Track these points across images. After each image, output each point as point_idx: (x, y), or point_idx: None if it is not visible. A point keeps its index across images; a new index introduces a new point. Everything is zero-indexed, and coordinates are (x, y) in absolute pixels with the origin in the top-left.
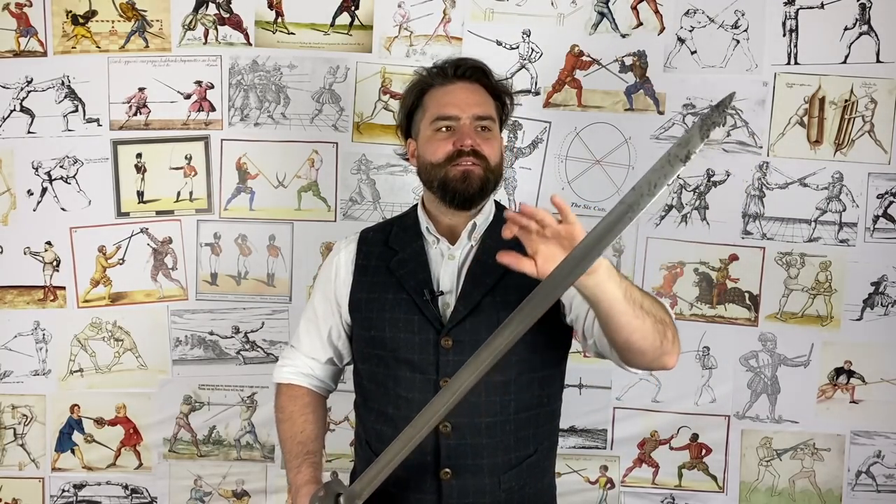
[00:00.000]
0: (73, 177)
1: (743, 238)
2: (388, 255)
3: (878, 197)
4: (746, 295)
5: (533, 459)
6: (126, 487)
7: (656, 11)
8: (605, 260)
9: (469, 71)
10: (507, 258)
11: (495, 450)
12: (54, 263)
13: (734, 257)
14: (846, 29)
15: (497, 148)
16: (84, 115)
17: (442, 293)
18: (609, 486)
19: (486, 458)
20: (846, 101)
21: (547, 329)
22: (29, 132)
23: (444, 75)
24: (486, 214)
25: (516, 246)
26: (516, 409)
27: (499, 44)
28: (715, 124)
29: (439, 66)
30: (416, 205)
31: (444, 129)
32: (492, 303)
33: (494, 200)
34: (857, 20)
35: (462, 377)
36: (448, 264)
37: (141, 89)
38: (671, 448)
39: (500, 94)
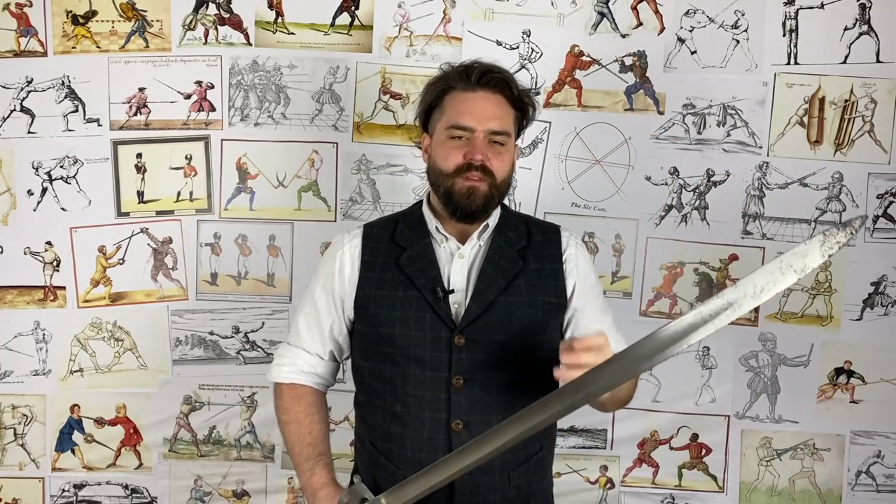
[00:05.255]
0: (74, 177)
1: (743, 238)
2: (396, 251)
3: (878, 197)
4: None
5: (539, 456)
6: (126, 487)
7: (656, 11)
8: None
9: (493, 80)
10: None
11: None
12: (54, 263)
13: (734, 257)
14: (846, 29)
15: (507, 161)
16: (84, 115)
17: (453, 291)
18: (609, 486)
19: (496, 456)
20: (846, 101)
21: (549, 330)
22: (29, 132)
23: (468, 80)
24: (495, 216)
25: (524, 249)
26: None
27: (499, 44)
28: (839, 244)
29: (464, 68)
30: (420, 202)
31: (457, 137)
32: (504, 302)
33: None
34: (857, 20)
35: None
36: (457, 263)
37: (141, 89)
38: (671, 448)
39: (522, 106)
